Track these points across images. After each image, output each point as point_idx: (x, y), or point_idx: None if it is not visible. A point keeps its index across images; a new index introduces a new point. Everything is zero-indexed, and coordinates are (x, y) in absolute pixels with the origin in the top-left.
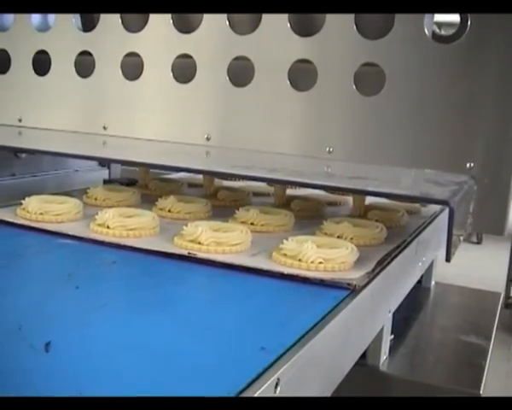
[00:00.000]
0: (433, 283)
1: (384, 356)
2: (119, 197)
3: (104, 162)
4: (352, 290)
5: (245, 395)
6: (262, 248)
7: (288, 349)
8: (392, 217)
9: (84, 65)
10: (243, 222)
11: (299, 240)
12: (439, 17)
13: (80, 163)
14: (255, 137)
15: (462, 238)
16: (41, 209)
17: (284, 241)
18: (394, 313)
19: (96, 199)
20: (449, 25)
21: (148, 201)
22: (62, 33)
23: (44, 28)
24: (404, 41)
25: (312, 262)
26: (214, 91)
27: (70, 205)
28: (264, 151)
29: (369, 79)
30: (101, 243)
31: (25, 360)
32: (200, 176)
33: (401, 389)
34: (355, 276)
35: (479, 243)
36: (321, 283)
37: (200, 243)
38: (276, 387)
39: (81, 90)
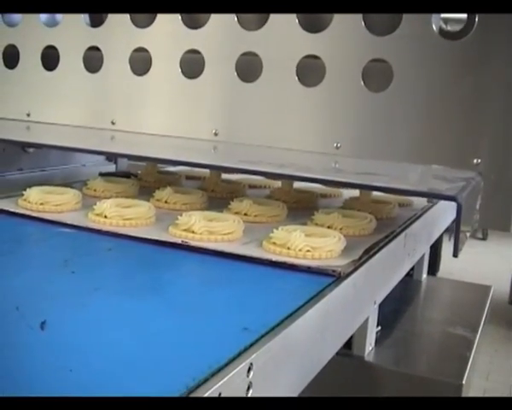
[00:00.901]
0: (424, 276)
1: (370, 347)
2: (118, 189)
3: (111, 157)
4: (336, 277)
5: (214, 380)
6: (254, 238)
7: (270, 330)
8: (383, 209)
9: (93, 60)
10: (237, 213)
11: (289, 229)
12: (446, 13)
13: (87, 158)
14: (263, 132)
15: (468, 234)
16: (41, 200)
17: (274, 230)
18: (383, 306)
19: (95, 190)
20: (455, 21)
21: (146, 192)
22: (71, 29)
23: (52, 23)
24: (412, 37)
25: (300, 250)
26: (222, 87)
27: (69, 196)
28: (271, 146)
29: (377, 75)
30: (99, 231)
31: (22, 337)
32: (198, 169)
33: (385, 379)
34: (341, 263)
35: (484, 238)
36: (307, 270)
37: (193, 232)
38: (248, 371)
39: (89, 85)
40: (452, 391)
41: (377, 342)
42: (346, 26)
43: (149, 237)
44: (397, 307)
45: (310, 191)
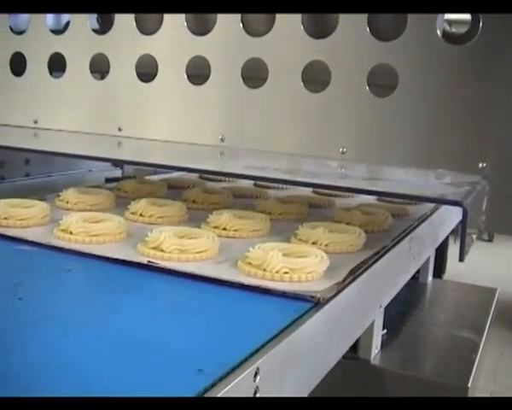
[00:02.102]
0: (429, 278)
1: (376, 350)
2: (92, 200)
3: (118, 163)
4: (315, 303)
5: (224, 383)
6: (230, 256)
7: (228, 372)
8: (375, 221)
9: (99, 66)
10: (216, 227)
11: (266, 248)
12: (450, 15)
13: (94, 163)
14: (268, 137)
15: (475, 237)
16: (5, 214)
17: (250, 248)
18: (388, 309)
19: (67, 202)
20: (460, 22)
21: (125, 204)
22: (77, 36)
23: (58, 29)
24: (417, 42)
25: (277, 272)
26: (228, 93)
27: (36, 209)
28: (277, 152)
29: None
30: (61, 249)
31: None
32: (181, 178)
33: (391, 382)
34: (321, 287)
35: (490, 240)
36: (283, 295)
37: (162, 251)
38: (255, 376)
39: (96, 91)
40: (458, 394)
41: (383, 345)
42: (350, 32)
43: (112, 256)
44: (402, 310)
45: (298, 201)
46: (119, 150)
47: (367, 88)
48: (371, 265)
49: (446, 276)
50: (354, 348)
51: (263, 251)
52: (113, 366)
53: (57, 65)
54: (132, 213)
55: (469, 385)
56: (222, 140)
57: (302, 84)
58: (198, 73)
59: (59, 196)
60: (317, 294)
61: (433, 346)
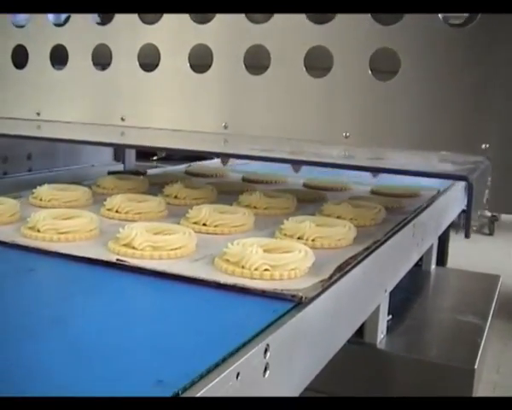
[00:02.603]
0: (433, 266)
1: (381, 335)
2: (67, 197)
3: (120, 156)
4: (297, 303)
5: (233, 360)
6: (208, 253)
7: (189, 385)
8: (366, 214)
9: (102, 57)
10: (195, 223)
11: (246, 243)
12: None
13: (96, 158)
14: (272, 123)
15: (478, 214)
16: None
17: (229, 244)
18: (393, 295)
19: (40, 200)
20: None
21: (103, 200)
22: (79, 27)
23: (59, 21)
24: (418, 25)
25: (256, 269)
26: (231, 80)
27: (4, 207)
28: (280, 137)
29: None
30: (26, 248)
31: None
32: (167, 173)
33: (397, 366)
34: (304, 285)
35: (491, 234)
36: (262, 294)
37: (134, 248)
38: (265, 352)
39: (99, 82)
40: (465, 376)
41: (389, 330)
42: (352, 16)
43: (79, 254)
44: (407, 297)
45: (285, 195)
46: (123, 139)
47: (369, 72)
48: (371, 252)
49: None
50: (360, 333)
51: (242, 247)
52: (65, 375)
53: (59, 57)
54: (108, 210)
55: (476, 367)
56: (225, 127)
57: (304, 69)
58: (200, 61)
59: (33, 193)
60: (299, 293)
61: (438, 330)
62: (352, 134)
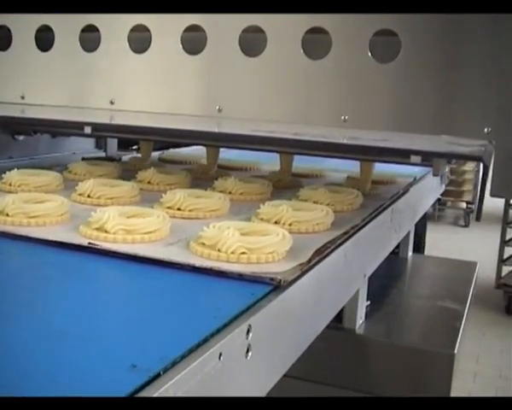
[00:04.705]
0: (410, 253)
1: (360, 320)
2: (38, 182)
3: (101, 144)
4: (276, 286)
5: (216, 339)
6: (183, 237)
7: (165, 369)
8: (344, 200)
9: (90, 38)
10: (169, 207)
11: (222, 226)
12: None
13: (78, 145)
14: (268, 107)
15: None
16: None
17: (204, 228)
18: (371, 281)
19: (10, 185)
20: None
21: (75, 186)
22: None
23: None
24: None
25: (233, 253)
26: (226, 62)
27: None
28: (278, 121)
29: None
30: None
31: None
32: (138, 158)
33: (377, 351)
34: (283, 269)
35: (466, 226)
36: (239, 277)
37: (106, 232)
38: (247, 333)
39: (87, 64)
40: (445, 361)
41: (367, 316)
42: None
43: (51, 238)
44: (385, 283)
45: (261, 181)
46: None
47: (369, 54)
48: (352, 236)
49: None
50: (339, 318)
51: (218, 230)
52: (37, 361)
53: (45, 38)
54: (80, 195)
55: (455, 352)
56: (219, 111)
57: (302, 51)
58: (194, 42)
59: (2, 178)
60: (278, 276)
61: (417, 316)
62: (351, 118)
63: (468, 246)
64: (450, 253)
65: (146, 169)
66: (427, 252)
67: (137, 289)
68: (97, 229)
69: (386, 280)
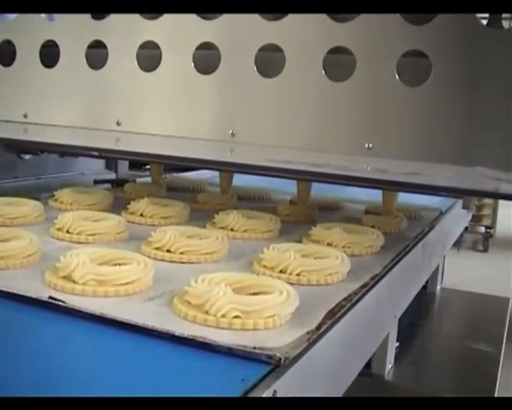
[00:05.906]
0: (438, 288)
1: (389, 365)
2: (13, 214)
3: (111, 164)
4: (275, 366)
5: None
6: (168, 289)
7: None
8: (363, 241)
9: (96, 56)
10: (157, 248)
11: (213, 280)
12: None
13: (87, 166)
14: (286, 132)
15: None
16: None
17: (191, 281)
18: (399, 320)
19: None
20: None
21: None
22: (72, 22)
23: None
24: (454, 26)
25: (224, 316)
26: (240, 83)
27: None
28: (295, 148)
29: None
30: None
31: None
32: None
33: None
34: (284, 340)
35: (485, 251)
36: (228, 352)
37: (74, 282)
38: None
39: (93, 82)
40: None
41: (396, 359)
42: (378, 15)
43: (3, 288)
44: (414, 322)
45: (269, 216)
46: (117, 145)
47: (396, 77)
48: (386, 273)
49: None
50: (367, 363)
51: (207, 285)
52: None
53: (50, 54)
54: (58, 230)
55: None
56: (233, 135)
57: (323, 72)
58: (206, 61)
59: None
60: (277, 352)
61: (448, 360)
62: (376, 145)
63: (488, 272)
64: (469, 280)
65: (139, 199)
66: (445, 279)
67: (99, 364)
68: (64, 277)
69: (415, 318)
